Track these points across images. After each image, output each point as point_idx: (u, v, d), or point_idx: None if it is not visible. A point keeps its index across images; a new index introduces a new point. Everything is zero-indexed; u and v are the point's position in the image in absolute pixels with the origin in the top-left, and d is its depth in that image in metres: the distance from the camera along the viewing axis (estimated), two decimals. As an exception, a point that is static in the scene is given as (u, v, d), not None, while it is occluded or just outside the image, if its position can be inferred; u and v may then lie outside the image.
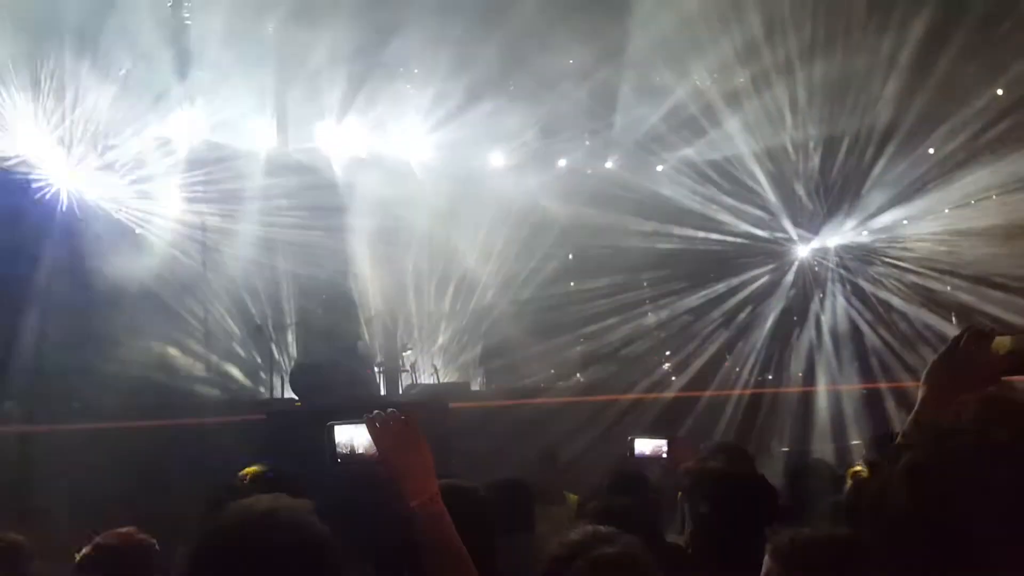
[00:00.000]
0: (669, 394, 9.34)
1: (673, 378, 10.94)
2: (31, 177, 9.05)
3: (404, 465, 1.77)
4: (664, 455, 3.41)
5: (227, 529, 1.38)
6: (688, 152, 12.18)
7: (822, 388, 10.00)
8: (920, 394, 1.48)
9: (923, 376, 1.49)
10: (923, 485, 1.00)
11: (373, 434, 1.79)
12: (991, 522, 0.95)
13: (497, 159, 12.34)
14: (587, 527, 2.78)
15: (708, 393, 9.32)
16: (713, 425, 8.39)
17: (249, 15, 9.20)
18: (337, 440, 1.84)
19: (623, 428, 7.83)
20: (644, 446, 3.49)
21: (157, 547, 2.70)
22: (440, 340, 12.19)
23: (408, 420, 1.81)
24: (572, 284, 12.44)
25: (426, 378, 11.33)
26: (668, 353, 11.79)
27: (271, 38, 9.83)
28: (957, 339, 1.49)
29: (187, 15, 9.56)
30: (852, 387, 9.94)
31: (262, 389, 9.99)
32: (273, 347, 10.03)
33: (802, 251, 12.69)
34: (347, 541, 2.00)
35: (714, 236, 12.26)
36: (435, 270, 11.93)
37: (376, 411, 1.81)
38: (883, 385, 9.67)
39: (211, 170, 10.18)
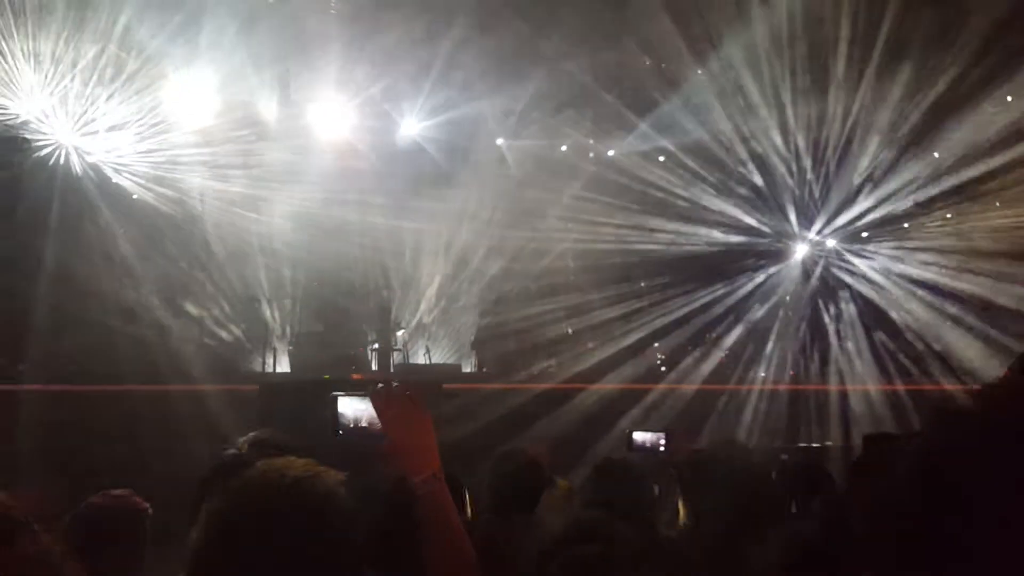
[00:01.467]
0: (664, 385, 9.32)
1: (664, 369, 10.94)
2: (32, 137, 9.01)
3: (407, 441, 1.75)
4: (662, 448, 3.38)
5: (256, 491, 1.36)
6: (690, 144, 12.05)
7: (818, 387, 10.02)
8: None
9: None
10: (929, 468, 1.03)
11: (378, 408, 1.77)
12: (987, 502, 0.97)
13: (501, 140, 12.29)
14: (579, 517, 2.77)
15: (704, 387, 9.32)
16: (708, 419, 8.39)
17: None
18: (340, 412, 1.82)
19: (616, 416, 7.86)
20: (642, 438, 3.45)
21: (150, 511, 2.68)
22: (433, 321, 12.19)
23: (413, 396, 1.79)
24: (570, 273, 12.39)
25: (418, 358, 11.34)
26: (657, 345, 11.72)
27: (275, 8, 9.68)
28: None
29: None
30: (847, 387, 9.96)
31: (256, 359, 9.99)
32: (268, 319, 10.01)
33: (801, 249, 12.68)
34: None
35: (712, 232, 12.23)
36: (434, 250, 11.89)
37: (382, 385, 1.80)
38: (875, 388, 9.70)
39: (212, 138, 10.12)
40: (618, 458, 3.84)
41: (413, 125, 11.50)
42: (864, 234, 12.27)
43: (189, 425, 5.70)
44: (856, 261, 12.25)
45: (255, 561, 1.32)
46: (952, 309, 10.76)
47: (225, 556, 1.33)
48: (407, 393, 1.80)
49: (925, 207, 11.46)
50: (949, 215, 11.38)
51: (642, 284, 12.36)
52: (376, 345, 10.92)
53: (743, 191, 12.26)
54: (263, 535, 1.31)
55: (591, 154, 12.70)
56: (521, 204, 11.80)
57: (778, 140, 11.82)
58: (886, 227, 11.99)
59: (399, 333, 11.24)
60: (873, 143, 11.39)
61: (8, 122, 8.89)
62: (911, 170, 11.23)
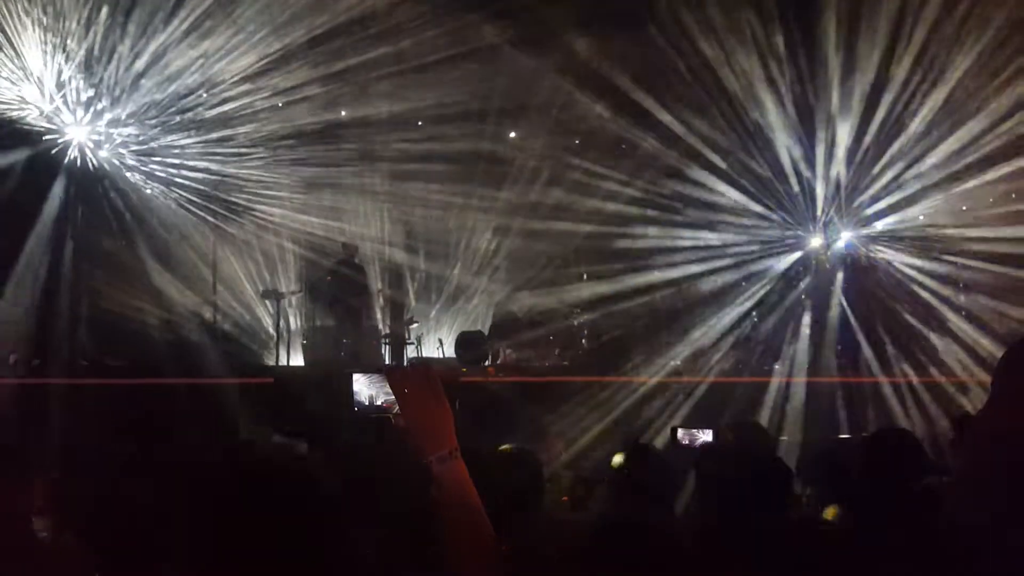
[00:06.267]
0: (677, 379, 9.25)
1: (678, 363, 10.81)
2: (42, 130, 9.06)
3: (424, 417, 1.72)
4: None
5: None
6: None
7: (828, 379, 9.88)
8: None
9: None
10: None
11: (393, 385, 1.74)
12: None
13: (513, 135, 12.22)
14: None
15: (728, 380, 9.22)
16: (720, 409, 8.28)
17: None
18: (356, 389, 1.81)
19: (629, 409, 7.82)
20: (687, 435, 3.33)
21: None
22: (447, 314, 12.19)
23: (429, 372, 1.77)
24: (581, 266, 12.28)
25: (431, 351, 11.31)
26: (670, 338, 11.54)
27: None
28: None
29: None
30: (857, 379, 9.85)
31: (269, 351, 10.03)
32: (281, 312, 10.04)
33: (815, 241, 12.53)
34: (358, 498, 1.98)
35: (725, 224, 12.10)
36: (446, 243, 11.89)
37: (396, 363, 1.79)
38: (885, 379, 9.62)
39: (224, 129, 10.14)
40: (638, 443, 3.77)
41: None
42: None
43: (202, 416, 5.70)
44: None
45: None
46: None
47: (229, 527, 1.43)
48: (425, 370, 1.78)
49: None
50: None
51: (655, 272, 12.10)
52: (388, 339, 10.92)
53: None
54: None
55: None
56: (535, 196, 11.75)
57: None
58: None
59: (412, 327, 11.24)
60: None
61: (24, 115, 8.94)
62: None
